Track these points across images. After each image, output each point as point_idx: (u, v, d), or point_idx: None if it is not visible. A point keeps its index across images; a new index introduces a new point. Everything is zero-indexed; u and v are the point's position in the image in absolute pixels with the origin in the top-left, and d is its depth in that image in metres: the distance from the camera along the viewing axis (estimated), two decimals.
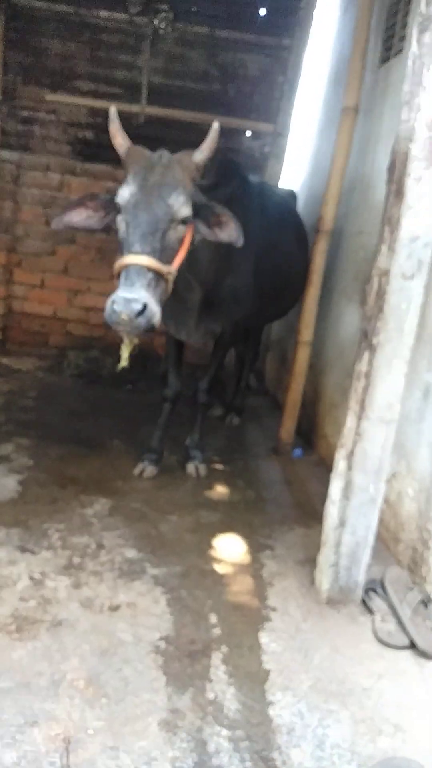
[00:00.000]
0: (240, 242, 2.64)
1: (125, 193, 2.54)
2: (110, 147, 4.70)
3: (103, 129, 5.17)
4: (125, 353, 2.61)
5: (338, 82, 4.33)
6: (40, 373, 5.04)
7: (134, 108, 5.00)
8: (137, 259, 2.40)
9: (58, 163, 5.19)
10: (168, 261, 2.51)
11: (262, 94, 5.20)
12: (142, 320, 2.32)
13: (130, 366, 2.62)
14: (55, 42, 5.02)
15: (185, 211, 2.54)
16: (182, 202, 2.53)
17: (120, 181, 2.60)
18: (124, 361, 2.63)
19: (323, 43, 5.17)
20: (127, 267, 2.40)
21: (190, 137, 4.88)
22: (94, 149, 5.16)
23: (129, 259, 2.41)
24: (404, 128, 2.14)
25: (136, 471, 3.36)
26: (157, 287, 2.45)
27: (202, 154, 2.61)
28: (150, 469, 3.38)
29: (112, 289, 2.32)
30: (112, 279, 5.70)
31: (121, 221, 2.57)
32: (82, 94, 5.10)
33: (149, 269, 2.40)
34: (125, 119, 2.77)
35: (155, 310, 2.39)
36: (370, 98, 3.72)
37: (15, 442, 3.53)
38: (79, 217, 2.74)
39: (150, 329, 2.41)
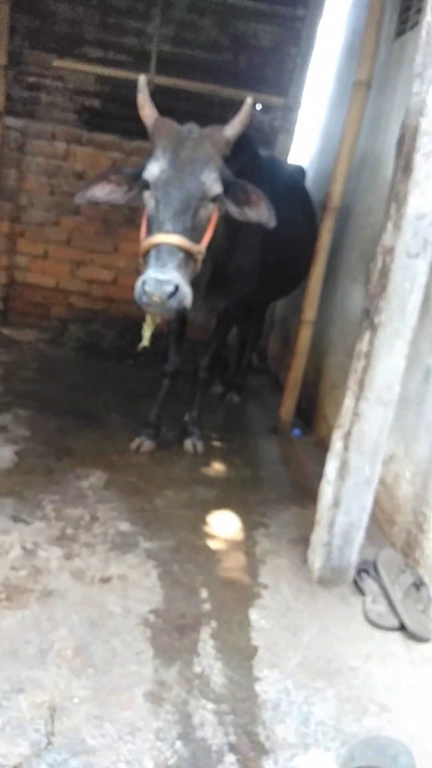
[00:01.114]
0: (272, 223, 2.56)
1: (155, 169, 2.46)
2: (117, 117, 4.59)
3: (111, 98, 5.14)
4: (147, 333, 2.57)
5: (351, 56, 4.22)
6: (40, 344, 5.01)
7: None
8: (169, 238, 2.34)
9: (63, 132, 5.08)
10: (198, 240, 2.45)
11: (273, 66, 5.07)
12: (173, 302, 2.29)
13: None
14: (63, 6, 4.88)
15: (217, 188, 2.48)
16: (214, 179, 2.46)
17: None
18: (146, 341, 2.58)
19: (337, 14, 5.03)
20: (157, 246, 2.34)
21: (198, 109, 4.82)
22: (101, 118, 5.06)
23: (160, 238, 2.35)
24: (415, 101, 2.08)
25: (133, 445, 3.35)
26: (187, 267, 2.40)
27: (233, 129, 2.53)
28: (147, 444, 3.36)
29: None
30: (115, 251, 5.59)
31: (149, 198, 2.49)
32: (90, 61, 4.98)
33: (180, 249, 2.35)
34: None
35: (186, 292, 2.35)
36: (383, 73, 3.62)
37: (13, 413, 3.52)
38: (102, 191, 2.66)
39: (181, 311, 2.37)
